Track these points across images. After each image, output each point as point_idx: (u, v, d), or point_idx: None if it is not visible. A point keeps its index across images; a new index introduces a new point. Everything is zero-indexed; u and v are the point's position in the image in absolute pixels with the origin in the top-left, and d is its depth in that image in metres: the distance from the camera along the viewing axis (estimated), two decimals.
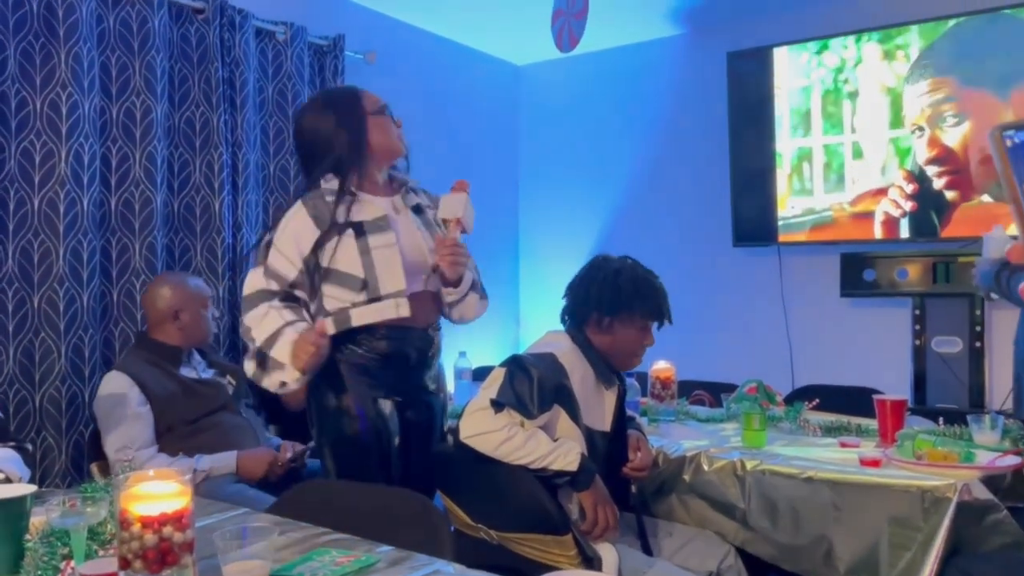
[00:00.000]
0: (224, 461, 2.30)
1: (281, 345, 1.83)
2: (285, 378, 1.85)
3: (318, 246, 1.89)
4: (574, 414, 1.87)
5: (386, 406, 1.93)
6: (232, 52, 3.02)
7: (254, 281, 1.92)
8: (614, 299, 1.95)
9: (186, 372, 2.46)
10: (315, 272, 1.90)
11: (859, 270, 3.57)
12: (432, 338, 2.03)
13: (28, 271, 2.52)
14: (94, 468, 2.40)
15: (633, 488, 2.02)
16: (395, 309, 1.89)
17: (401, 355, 1.95)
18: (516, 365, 1.83)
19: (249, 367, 1.91)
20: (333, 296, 1.90)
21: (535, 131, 4.73)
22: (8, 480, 1.59)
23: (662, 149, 4.25)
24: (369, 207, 1.93)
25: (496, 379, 1.83)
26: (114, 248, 2.74)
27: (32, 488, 1.25)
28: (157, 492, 0.99)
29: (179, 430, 2.34)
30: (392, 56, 3.78)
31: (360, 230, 1.89)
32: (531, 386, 1.79)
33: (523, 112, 4.77)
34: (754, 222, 3.82)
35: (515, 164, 4.75)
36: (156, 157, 2.78)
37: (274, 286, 1.90)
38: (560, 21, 3.23)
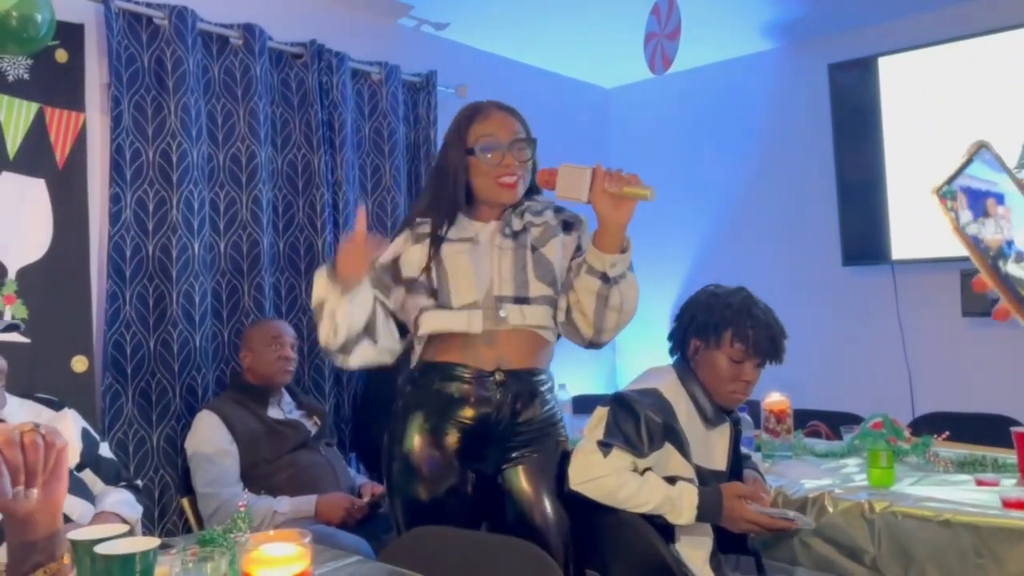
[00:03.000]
0: (304, 505, 2.35)
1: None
2: (319, 293, 1.69)
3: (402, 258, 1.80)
4: (685, 452, 1.79)
5: (462, 470, 1.76)
6: (330, 94, 3.09)
7: None
8: (707, 321, 1.85)
9: (273, 412, 2.54)
10: (392, 278, 1.80)
11: None
12: (514, 387, 1.76)
13: (144, 314, 2.62)
14: (185, 503, 2.51)
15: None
16: (467, 321, 1.72)
17: (473, 406, 1.75)
18: (619, 403, 1.77)
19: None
20: (408, 307, 1.79)
21: (626, 154, 4.66)
22: (130, 531, 1.63)
23: (761, 167, 4.11)
24: (457, 230, 1.80)
25: (600, 419, 1.76)
26: (224, 290, 2.83)
27: (156, 541, 1.26)
28: (279, 556, 0.98)
29: (261, 468, 2.41)
30: (483, 88, 3.77)
31: (439, 240, 1.77)
32: (637, 424, 1.73)
33: (614, 135, 4.72)
34: (865, 239, 3.64)
35: None
36: (262, 200, 2.86)
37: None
38: (653, 43, 3.17)
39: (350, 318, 1.69)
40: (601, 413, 1.78)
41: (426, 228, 1.81)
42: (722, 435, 1.89)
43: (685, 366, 1.89)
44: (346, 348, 1.73)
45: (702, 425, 1.86)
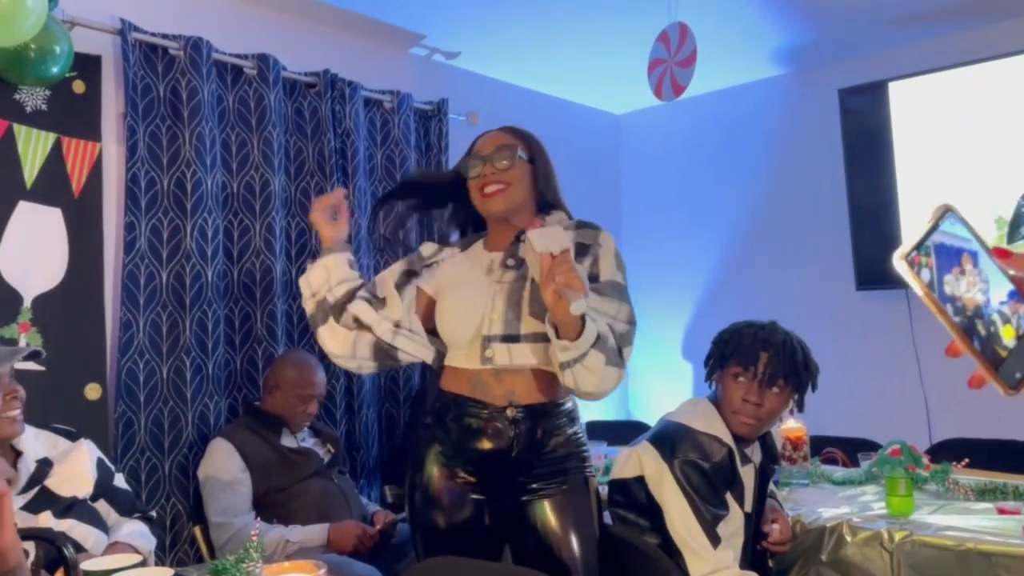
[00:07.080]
0: (315, 533, 2.33)
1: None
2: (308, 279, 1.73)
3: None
4: (741, 500, 1.79)
5: (478, 501, 1.68)
6: (343, 123, 3.11)
7: None
8: (712, 351, 1.89)
9: (286, 441, 2.53)
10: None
11: None
12: (529, 422, 1.64)
13: (157, 342, 2.62)
14: (196, 531, 2.49)
15: (771, 563, 1.89)
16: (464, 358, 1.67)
17: (474, 438, 1.65)
18: (688, 465, 1.73)
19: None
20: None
21: (637, 180, 4.68)
22: (143, 561, 1.62)
23: (772, 192, 4.11)
24: (463, 259, 1.78)
25: (676, 499, 1.71)
26: (237, 317, 2.83)
27: (168, 572, 1.26)
28: None
29: (273, 497, 2.40)
30: (494, 115, 3.79)
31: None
32: (712, 486, 1.74)
33: (624, 161, 4.73)
34: (878, 263, 3.62)
35: (617, 214, 4.70)
36: (275, 227, 2.88)
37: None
38: (660, 70, 3.19)
39: (325, 275, 1.69)
40: (658, 466, 1.75)
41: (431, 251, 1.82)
42: (748, 475, 1.85)
43: (716, 401, 1.88)
44: (319, 312, 1.70)
45: (740, 462, 1.84)
